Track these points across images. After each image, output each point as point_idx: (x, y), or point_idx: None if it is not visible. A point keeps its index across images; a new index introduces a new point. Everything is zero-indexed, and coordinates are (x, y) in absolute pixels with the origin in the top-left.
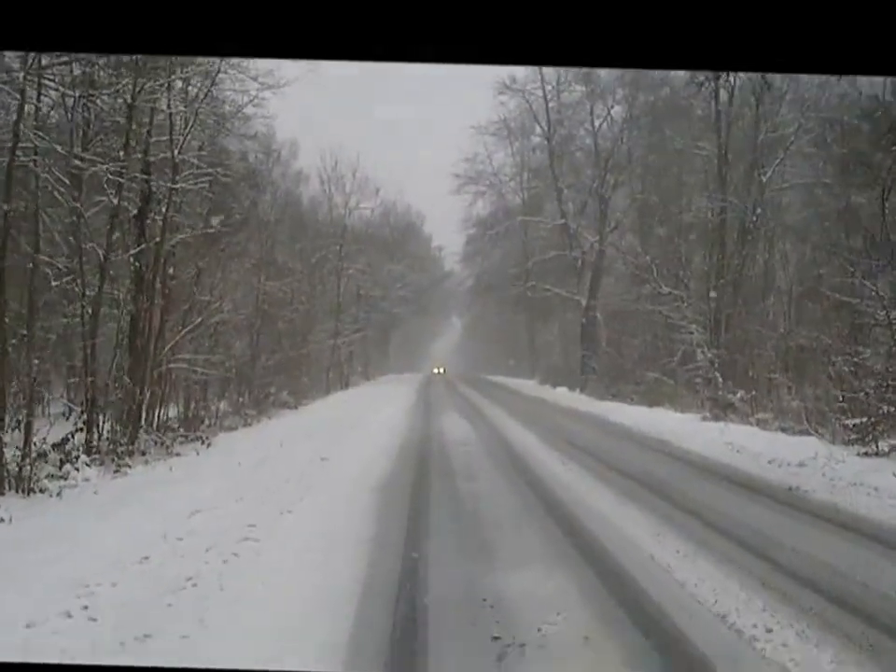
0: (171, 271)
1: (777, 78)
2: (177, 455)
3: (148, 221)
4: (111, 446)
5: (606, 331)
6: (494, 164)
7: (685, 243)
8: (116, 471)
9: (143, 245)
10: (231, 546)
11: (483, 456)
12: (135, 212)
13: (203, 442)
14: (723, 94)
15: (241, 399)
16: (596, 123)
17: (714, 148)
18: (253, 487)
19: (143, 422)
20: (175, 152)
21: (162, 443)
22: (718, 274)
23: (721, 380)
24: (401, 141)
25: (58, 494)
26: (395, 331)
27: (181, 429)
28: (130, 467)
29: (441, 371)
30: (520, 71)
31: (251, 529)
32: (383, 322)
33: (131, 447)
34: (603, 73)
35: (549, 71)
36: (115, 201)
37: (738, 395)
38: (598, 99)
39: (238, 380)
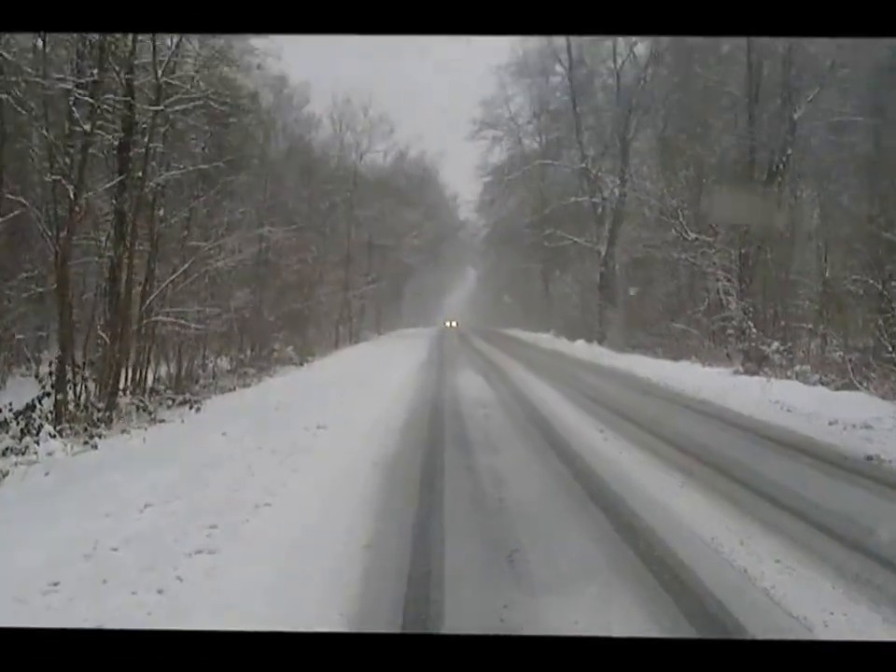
0: (160, 213)
1: None
2: (161, 421)
3: (132, 154)
4: (84, 412)
5: (626, 281)
6: (511, 109)
7: (712, 185)
8: (85, 443)
9: (120, 178)
10: (176, 563)
11: (505, 422)
12: (117, 144)
13: (191, 407)
14: None
15: (242, 356)
16: (619, 61)
17: (743, 86)
18: (230, 467)
19: (128, 383)
20: (160, 72)
21: (145, 408)
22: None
23: (754, 330)
24: (416, 85)
25: (4, 475)
26: (408, 283)
27: (168, 392)
28: (101, 437)
29: (454, 324)
30: None
31: (210, 534)
32: (395, 273)
33: (108, 413)
34: None
35: None
36: (87, 127)
37: (773, 346)
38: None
39: (239, 335)
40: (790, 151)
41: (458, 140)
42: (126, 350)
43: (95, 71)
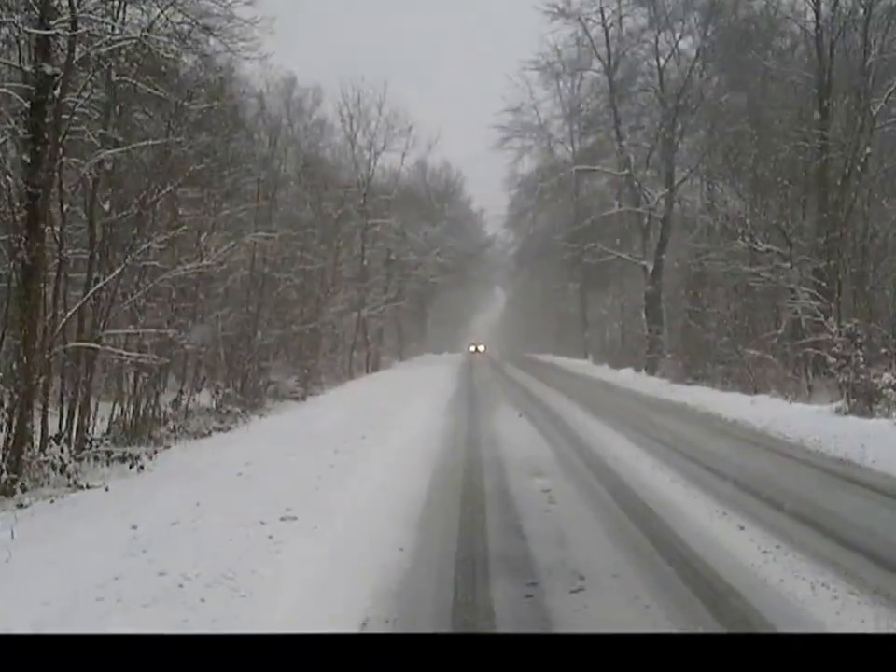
0: (106, 207)
1: None
2: (84, 487)
3: (49, 119)
4: None
5: (679, 300)
6: (541, 115)
7: (782, 190)
8: None
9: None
10: None
11: (580, 509)
12: (27, 105)
13: (132, 465)
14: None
15: (228, 390)
16: (663, 54)
17: (809, 76)
18: (89, 619)
19: (63, 430)
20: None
21: (63, 469)
22: (827, 226)
23: (862, 360)
24: (437, 90)
25: None
26: (432, 305)
27: (107, 443)
28: None
29: (480, 349)
30: None
31: None
32: (418, 292)
33: (11, 477)
34: None
35: None
36: None
37: (885, 379)
38: (665, 28)
39: (226, 363)
40: (868, 150)
41: (484, 149)
42: (34, 387)
43: None
